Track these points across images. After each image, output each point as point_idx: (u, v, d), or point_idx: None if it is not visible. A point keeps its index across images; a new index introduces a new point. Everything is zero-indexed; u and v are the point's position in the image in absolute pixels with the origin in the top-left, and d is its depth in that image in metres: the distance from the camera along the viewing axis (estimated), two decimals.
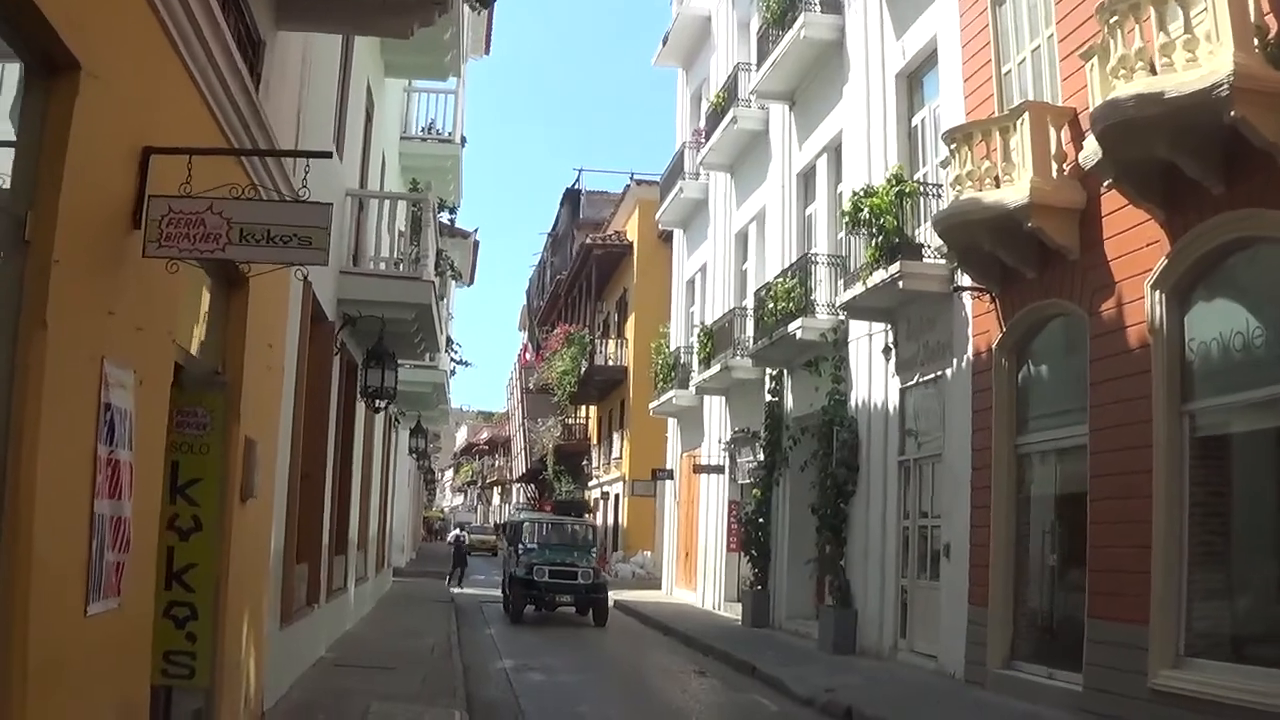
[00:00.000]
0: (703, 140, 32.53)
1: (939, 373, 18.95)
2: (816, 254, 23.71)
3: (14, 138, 5.47)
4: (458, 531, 46.75)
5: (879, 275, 18.91)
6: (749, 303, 28.37)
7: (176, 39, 6.97)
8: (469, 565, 42.73)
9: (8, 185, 5.45)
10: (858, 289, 19.79)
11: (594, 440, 57.68)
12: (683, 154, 35.77)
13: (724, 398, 31.12)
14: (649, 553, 45.27)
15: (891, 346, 20.58)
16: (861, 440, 21.63)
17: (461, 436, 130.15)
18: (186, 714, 9.27)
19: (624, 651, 22.73)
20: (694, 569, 33.73)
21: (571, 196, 63.87)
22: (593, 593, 27.69)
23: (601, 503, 53.59)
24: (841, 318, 22.37)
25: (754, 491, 27.15)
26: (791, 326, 22.93)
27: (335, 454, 16.90)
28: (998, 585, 16.46)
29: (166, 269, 6.79)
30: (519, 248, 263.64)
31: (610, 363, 49.66)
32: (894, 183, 19.13)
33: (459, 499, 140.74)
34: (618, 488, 49.59)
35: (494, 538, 68.16)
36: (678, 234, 38.88)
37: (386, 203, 19.08)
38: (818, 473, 23.16)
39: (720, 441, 31.19)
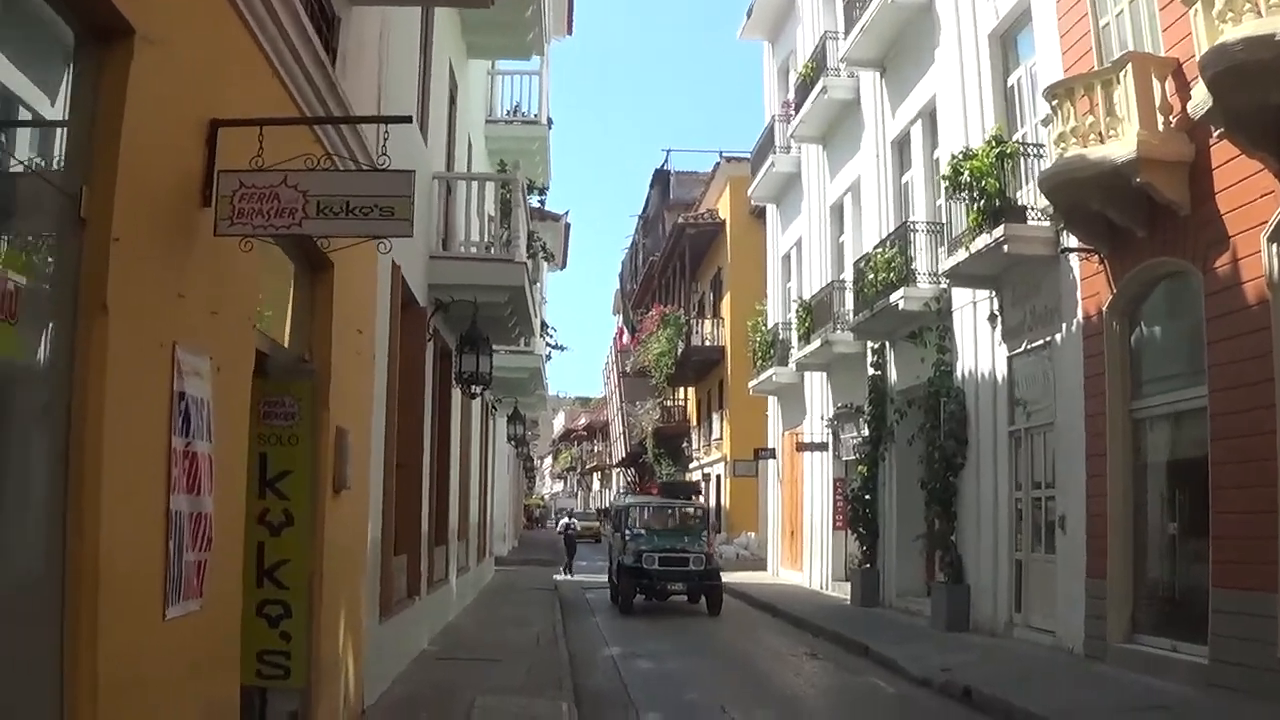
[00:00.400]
0: (792, 113, 31.92)
1: (1048, 339, 18.32)
2: (915, 222, 23.05)
3: (65, 114, 5.14)
4: (568, 520, 47.00)
5: (982, 240, 18.31)
6: (847, 275, 27.76)
7: (242, 8, 6.62)
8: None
9: (60, 162, 5.12)
10: (960, 255, 19.18)
11: (693, 422, 57.16)
12: (772, 128, 35.22)
13: (825, 373, 30.54)
14: (752, 534, 44.73)
15: (997, 313, 19.97)
16: (969, 411, 21.01)
17: (559, 423, 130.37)
18: (282, 715, 8.96)
19: (732, 635, 22.26)
20: (800, 549, 33.23)
21: (661, 178, 63.24)
22: (706, 579, 26.05)
23: (703, 484, 53.13)
24: (944, 286, 21.75)
25: (859, 468, 26.57)
26: (893, 297, 22.33)
27: (431, 443, 16.60)
28: (1116, 556, 15.92)
29: (240, 247, 6.40)
30: (610, 231, 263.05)
31: (707, 343, 49.10)
32: (994, 144, 18.51)
33: (558, 486, 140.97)
34: (718, 469, 49.15)
35: (596, 524, 66.81)
36: (771, 209, 38.31)
37: (475, 185, 18.70)
38: (925, 446, 22.59)
39: (822, 418, 30.60)
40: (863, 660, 18.14)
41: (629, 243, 76.95)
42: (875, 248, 24.04)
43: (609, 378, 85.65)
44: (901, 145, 25.71)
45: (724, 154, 48.61)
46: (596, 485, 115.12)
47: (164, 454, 5.71)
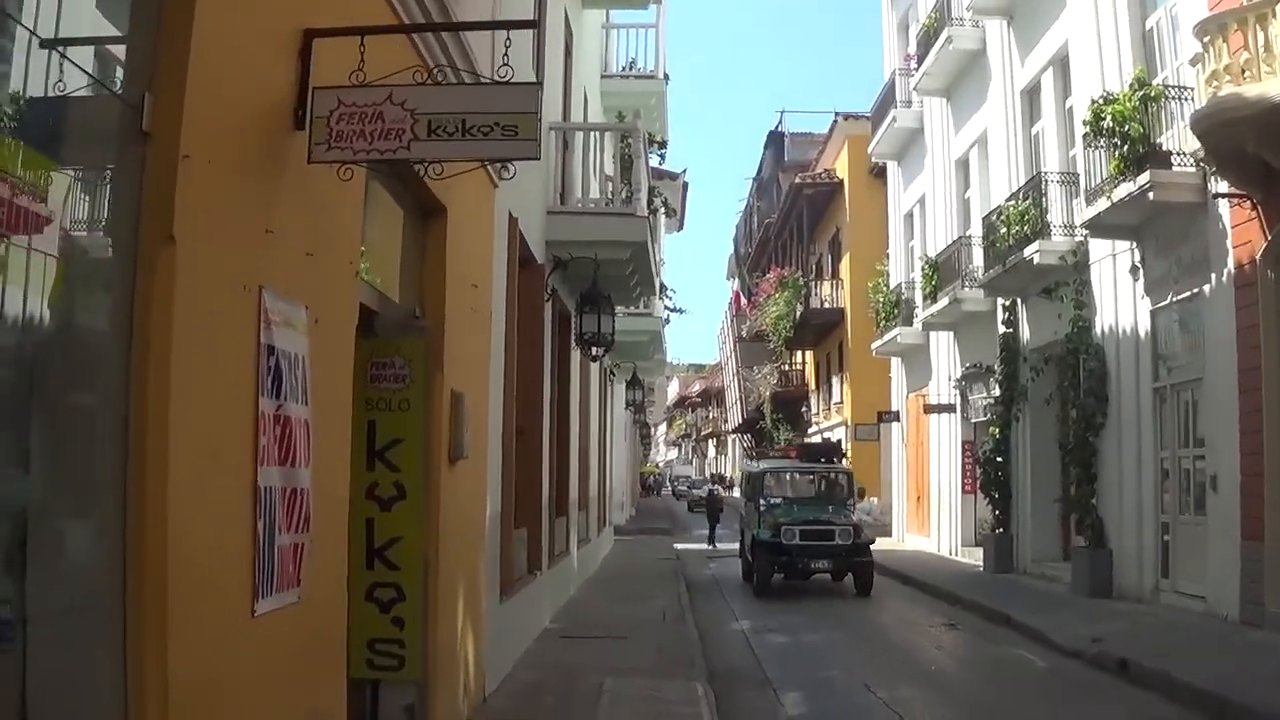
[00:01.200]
0: (914, 66, 30.94)
1: (1195, 290, 17.38)
2: (1049, 173, 22.01)
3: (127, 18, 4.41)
4: (712, 487, 44.79)
5: (1125, 188, 17.41)
6: (974, 231, 26.86)
7: None
8: (695, 521, 41.78)
9: (121, 74, 4.41)
10: (1101, 205, 18.26)
11: (811, 385, 56.32)
12: (893, 83, 34.21)
13: (952, 333, 29.58)
14: (875, 499, 43.72)
15: (1139, 265, 19.03)
16: (1110, 368, 20.05)
17: (673, 390, 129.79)
18: (397, 710, 8.28)
19: (865, 605, 21.52)
20: (927, 514, 32.32)
21: (775, 139, 62.42)
22: (854, 555, 22.64)
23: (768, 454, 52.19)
24: (1080, 239, 20.84)
25: (990, 429, 25.63)
26: (1027, 251, 21.37)
27: (551, 408, 16.02)
28: (1275, 518, 15.03)
29: (340, 176, 5.56)
30: (723, 194, 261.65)
31: (825, 305, 48.15)
32: (1137, 87, 17.53)
33: (672, 453, 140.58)
34: (839, 433, 48.18)
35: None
36: (892, 166, 37.38)
37: (593, 137, 17.95)
38: (1062, 406, 21.71)
39: (950, 379, 29.66)
40: (1005, 630, 17.33)
41: (743, 206, 76.14)
42: (1007, 200, 23.05)
43: (724, 343, 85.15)
44: (1031, 95, 24.73)
45: (840, 113, 47.50)
46: (711, 452, 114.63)
47: (250, 418, 4.94)
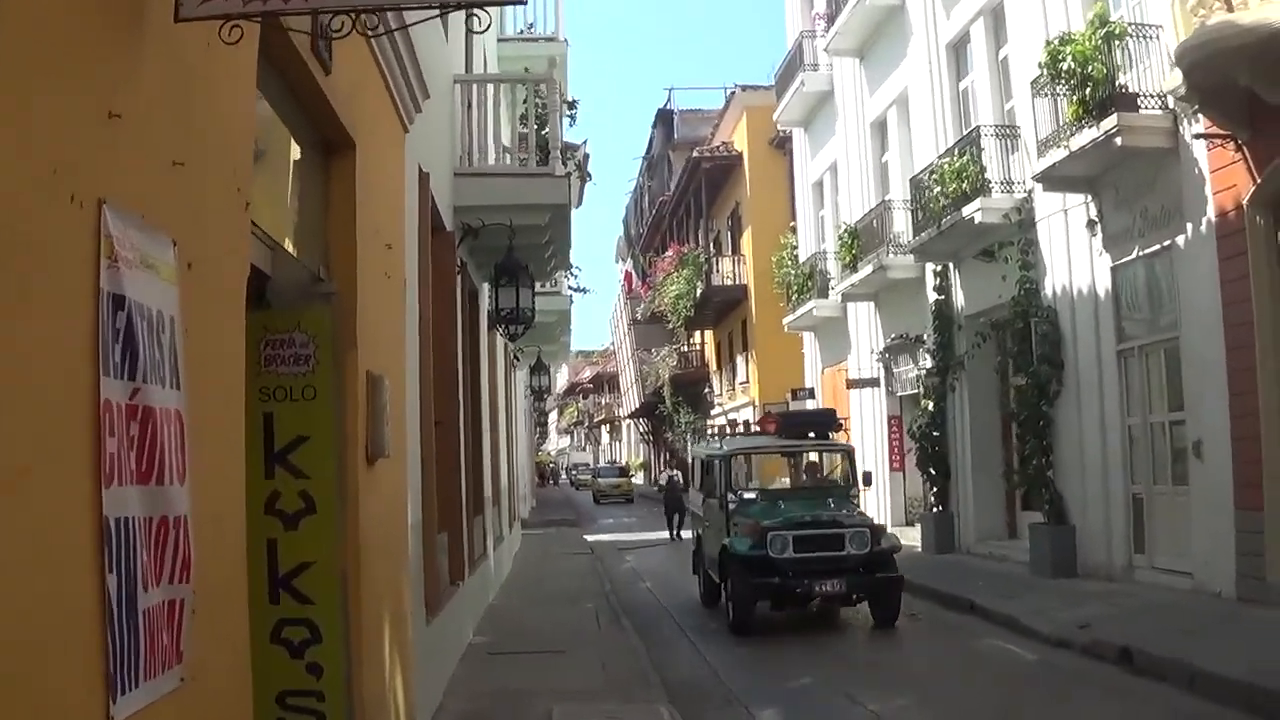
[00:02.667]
0: (825, 27, 29.37)
1: (1165, 243, 16.05)
2: (988, 127, 20.48)
3: None
4: (672, 474, 39.58)
5: (1087, 135, 16.03)
6: (893, 196, 25.51)
7: None
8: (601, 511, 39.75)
9: None
10: (1057, 155, 16.85)
11: (713, 366, 54.88)
12: (800, 46, 32.64)
13: (873, 303, 28.08)
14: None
15: (1096, 220, 17.53)
16: (1064, 332, 18.62)
17: (562, 377, 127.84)
18: None
19: None
20: None
21: (664, 117, 61.19)
22: (875, 569, 15.87)
23: (730, 431, 50.73)
24: (1024, 195, 19.37)
25: (923, 403, 24.14)
26: (966, 210, 19.86)
27: (466, 396, 14.21)
28: (1275, 483, 13.74)
29: (222, 37, 3.76)
30: (610, 178, 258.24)
31: (727, 282, 46.65)
32: (1098, 24, 16.02)
33: (564, 440, 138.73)
34: (746, 413, 46.76)
35: (624, 480, 63.86)
36: (798, 134, 35.91)
37: (502, 93, 16.10)
38: (1004, 375, 20.28)
39: (872, 352, 28.12)
40: (972, 619, 15.89)
41: (632, 186, 74.66)
42: (941, 157, 21.50)
43: (617, 327, 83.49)
44: (958, 48, 23.38)
45: (739, 84, 46.10)
46: (606, 439, 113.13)
47: (87, 411, 3.14)
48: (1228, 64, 13.08)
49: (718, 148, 47.76)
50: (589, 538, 33.56)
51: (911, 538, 24.97)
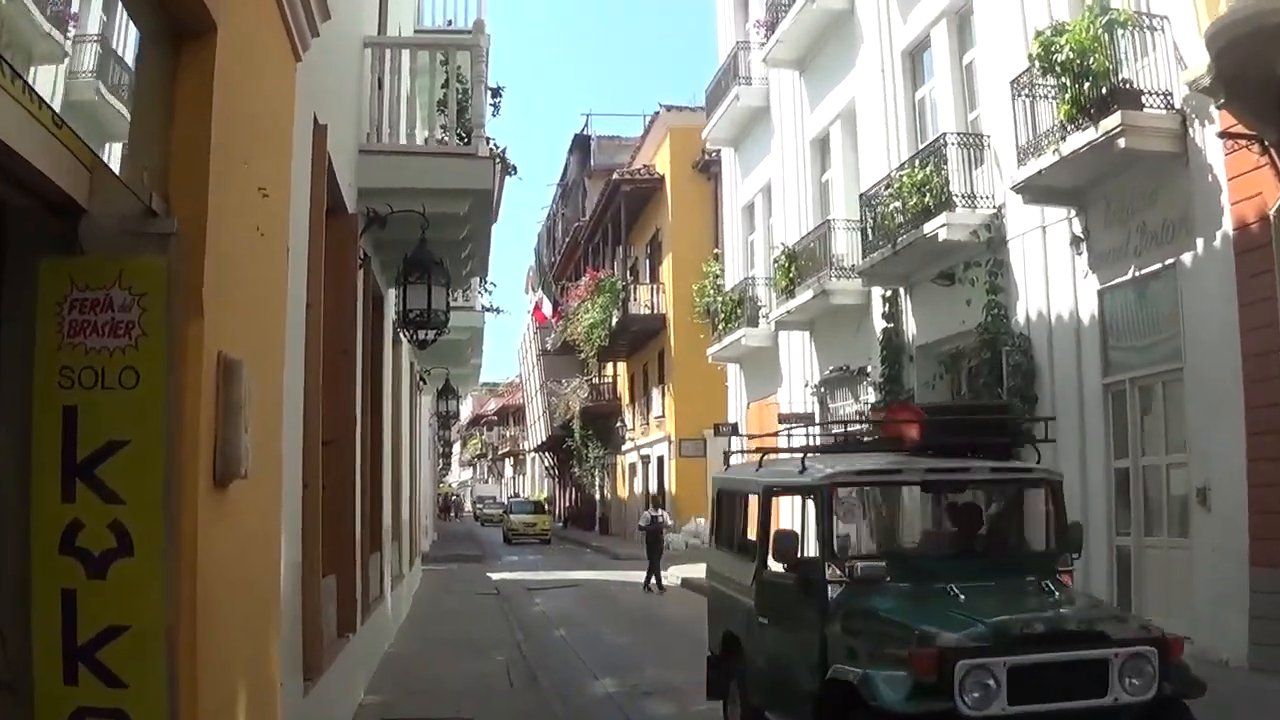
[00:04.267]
0: (764, 35, 27.43)
1: (1167, 261, 14.12)
2: (953, 134, 18.58)
3: None
4: (655, 513, 31.03)
5: (1082, 137, 14.12)
6: (835, 217, 23.56)
7: None
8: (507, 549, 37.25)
9: None
10: (1044, 161, 14.98)
11: (625, 400, 52.80)
12: (734, 59, 30.72)
13: (808, 332, 26.05)
14: (702, 519, 40.49)
15: (1082, 237, 15.68)
16: (1039, 363, 16.70)
17: (466, 408, 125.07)
18: None
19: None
20: None
21: (581, 143, 59.72)
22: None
23: (640, 468, 48.69)
24: (992, 211, 17.51)
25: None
26: (929, 226, 17.94)
27: (365, 412, 11.95)
28: None
29: None
30: (518, 208, 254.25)
31: (645, 310, 44.68)
32: (1098, 10, 14.16)
33: (466, 473, 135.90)
34: (660, 449, 44.81)
35: (538, 518, 56.14)
36: (727, 155, 34.07)
37: (420, 70, 13.82)
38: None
39: (806, 385, 26.07)
40: None
41: (545, 214, 72.73)
42: (899, 169, 19.56)
43: (524, 358, 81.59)
44: (914, 55, 21.52)
45: (664, 104, 44.24)
46: (509, 472, 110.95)
47: None
48: (1267, 49, 11.23)
49: (639, 170, 45.92)
50: (494, 575, 31.26)
51: None
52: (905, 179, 18.72)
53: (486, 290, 26.25)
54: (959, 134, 18.57)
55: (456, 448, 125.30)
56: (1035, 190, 15.70)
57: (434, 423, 41.21)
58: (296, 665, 7.49)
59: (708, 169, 41.20)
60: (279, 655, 6.43)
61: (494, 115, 16.30)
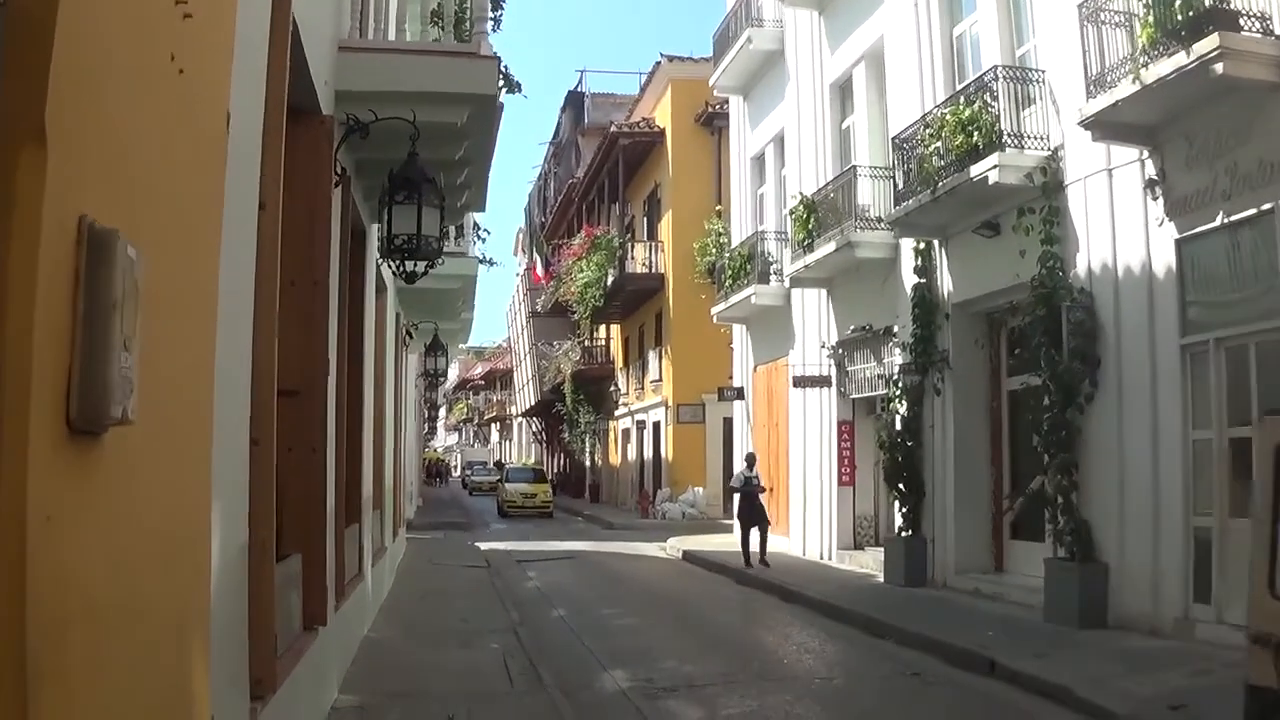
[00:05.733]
0: None
1: (1263, 206, 12.27)
2: (1003, 68, 16.68)
3: None
4: (750, 473, 24.49)
5: (1169, 63, 12.23)
6: (862, 160, 21.74)
7: None
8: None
9: None
10: (1120, 92, 13.09)
11: (619, 363, 51.03)
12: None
13: (825, 290, 24.18)
14: (700, 489, 39.05)
15: (1157, 179, 13.83)
16: (1103, 322, 14.86)
17: (452, 373, 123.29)
18: None
19: (759, 631, 16.28)
20: (784, 509, 26.75)
21: (574, 100, 58.06)
22: None
23: (635, 434, 46.90)
24: (1046, 153, 15.73)
25: (892, 405, 20.30)
26: (978, 169, 16.08)
27: (340, 360, 10.11)
28: None
29: None
30: (509, 168, 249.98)
31: (642, 269, 42.85)
32: None
33: (452, 438, 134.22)
34: (657, 414, 43.06)
35: (542, 487, 48.41)
36: (736, 104, 32.12)
37: None
38: (1002, 374, 17.01)
39: (823, 346, 24.23)
40: (999, 684, 11.98)
41: (536, 175, 71.05)
42: (940, 106, 17.70)
43: (513, 321, 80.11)
44: None
45: (665, 54, 42.26)
46: (495, 437, 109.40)
47: None
48: None
49: (638, 123, 43.95)
50: (482, 545, 29.47)
51: (863, 563, 21.32)
52: (949, 117, 16.86)
53: (480, 238, 24.42)
54: (1009, 67, 16.71)
55: (442, 411, 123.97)
56: (1107, 126, 13.83)
57: (420, 384, 39.35)
58: (239, 683, 5.66)
59: (711, 122, 39.46)
60: (209, 677, 4.60)
61: (495, 29, 14.34)
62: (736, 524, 24.35)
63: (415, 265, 9.98)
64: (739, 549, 23.21)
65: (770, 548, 23.25)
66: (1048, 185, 15.68)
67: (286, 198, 6.88)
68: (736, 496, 24.76)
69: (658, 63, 42.53)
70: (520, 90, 12.93)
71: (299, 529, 7.92)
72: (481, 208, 14.49)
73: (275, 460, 6.55)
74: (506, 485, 48.49)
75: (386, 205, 9.71)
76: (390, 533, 18.77)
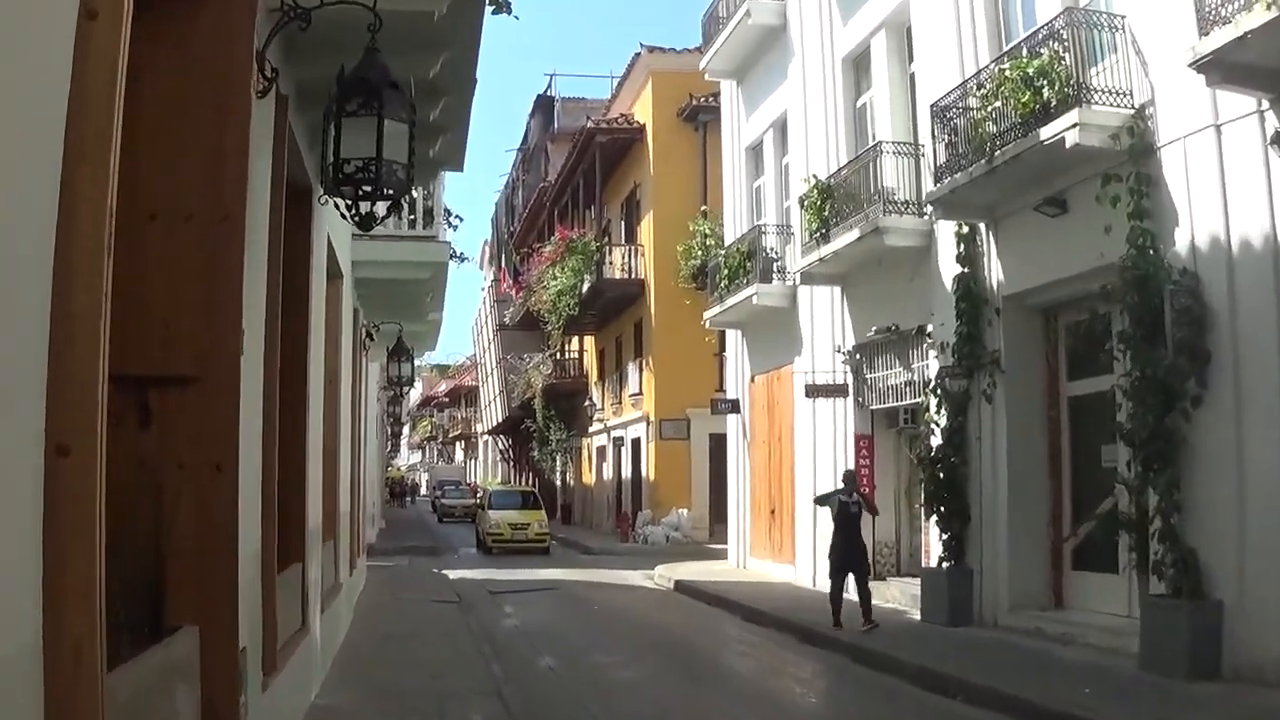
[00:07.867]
0: None
1: None
2: (1078, 12, 14.10)
3: None
4: (848, 496, 18.11)
5: None
6: (885, 135, 19.15)
7: None
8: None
9: None
10: (1254, 20, 10.47)
11: (593, 377, 48.35)
12: None
13: (839, 286, 21.49)
14: (685, 510, 36.38)
15: None
16: (1214, 309, 12.22)
17: (415, 392, 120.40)
18: None
19: (779, 681, 13.57)
20: (788, 534, 23.94)
21: (544, 104, 55.78)
22: None
23: (612, 451, 44.14)
24: (1131, 111, 13.13)
25: (928, 416, 17.62)
26: (1050, 130, 13.43)
27: (270, 340, 7.33)
28: None
29: None
30: (474, 174, 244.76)
31: (621, 275, 40.21)
32: None
33: (415, 456, 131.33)
34: (636, 430, 40.36)
35: (536, 515, 37.56)
36: (728, 90, 29.51)
37: None
38: (1061, 378, 14.77)
39: (838, 351, 21.48)
40: None
41: (503, 183, 68.42)
42: (997, 61, 15.09)
43: (479, 335, 77.53)
44: None
45: (645, 45, 39.60)
46: (460, 456, 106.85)
47: None
48: None
49: (616, 119, 41.31)
50: (451, 574, 26.57)
51: (890, 597, 18.64)
52: (1011, 71, 14.22)
53: (451, 225, 21.63)
54: (1083, 9, 14.14)
55: (406, 429, 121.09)
56: (1227, 68, 11.20)
57: (382, 398, 36.44)
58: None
59: (695, 117, 36.98)
60: None
61: None
62: (825, 564, 18.19)
63: (373, 200, 7.06)
64: (735, 578, 20.29)
65: (772, 576, 20.25)
66: (1135, 148, 13.06)
67: (173, 63, 4.14)
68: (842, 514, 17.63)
69: (637, 54, 39.91)
70: (510, 10, 10.14)
71: (191, 590, 5.16)
72: (459, 165, 11.66)
73: (134, 484, 3.78)
74: (489, 513, 38.25)
75: (334, 119, 6.85)
76: (348, 565, 15.87)
